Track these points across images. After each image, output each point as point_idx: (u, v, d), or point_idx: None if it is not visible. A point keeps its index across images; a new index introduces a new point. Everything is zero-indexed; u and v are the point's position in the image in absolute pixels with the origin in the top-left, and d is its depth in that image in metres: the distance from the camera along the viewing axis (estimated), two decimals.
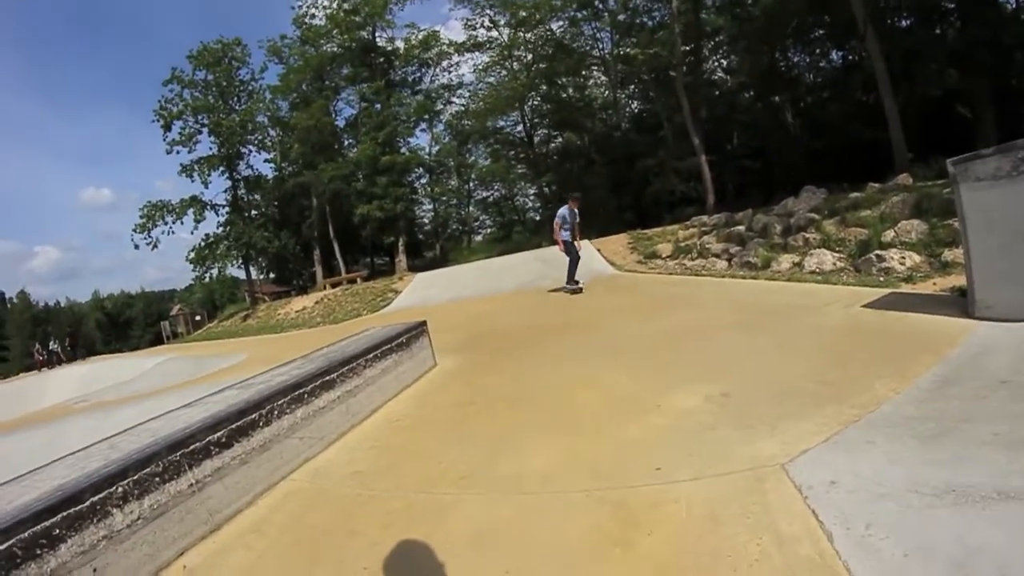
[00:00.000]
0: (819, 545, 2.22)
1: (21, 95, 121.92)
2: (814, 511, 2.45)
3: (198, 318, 51.28)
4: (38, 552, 2.54)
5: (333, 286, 31.65)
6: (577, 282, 12.30)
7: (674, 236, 18.03)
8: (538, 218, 45.17)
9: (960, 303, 5.39)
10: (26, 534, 2.50)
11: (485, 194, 49.21)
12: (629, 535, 2.59)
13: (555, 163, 42.90)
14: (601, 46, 38.64)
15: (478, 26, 40.64)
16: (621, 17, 34.82)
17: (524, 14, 36.40)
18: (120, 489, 2.94)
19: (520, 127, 43.35)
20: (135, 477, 3.04)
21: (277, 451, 4.02)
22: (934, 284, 7.02)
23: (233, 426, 3.73)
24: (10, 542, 2.44)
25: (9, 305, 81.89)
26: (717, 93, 36.32)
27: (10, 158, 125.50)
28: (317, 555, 2.98)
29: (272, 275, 55.98)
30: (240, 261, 40.06)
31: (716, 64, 38.49)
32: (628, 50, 34.96)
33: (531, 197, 47.74)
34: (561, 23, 37.66)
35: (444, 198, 47.71)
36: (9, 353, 71.21)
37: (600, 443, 3.72)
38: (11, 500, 2.78)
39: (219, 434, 3.61)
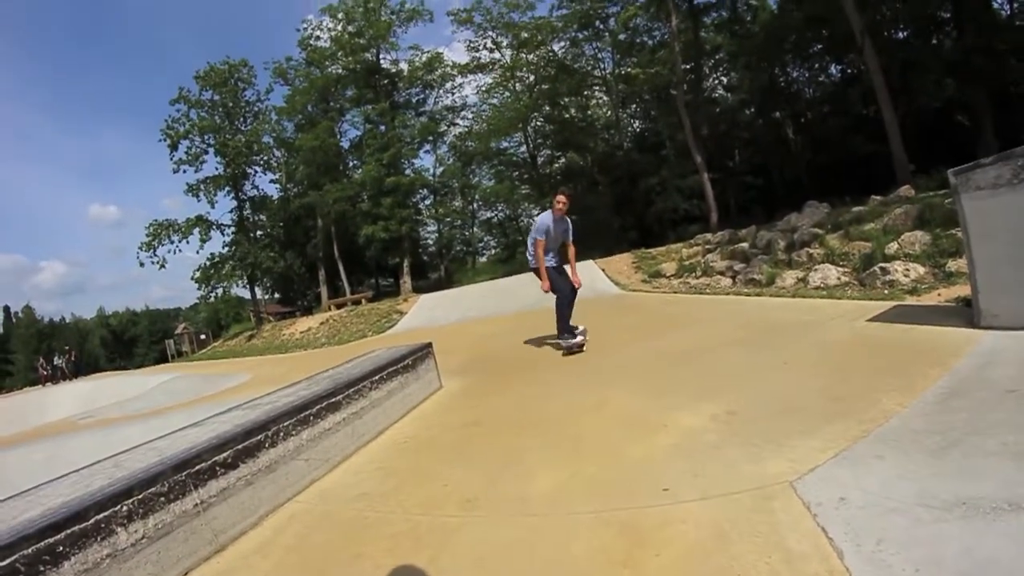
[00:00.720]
0: (829, 562, 2.19)
1: (30, 110, 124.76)
2: (824, 528, 2.42)
3: (203, 337, 51.54)
4: (41, 569, 2.54)
5: (338, 307, 31.71)
6: (575, 328, 8.14)
7: (678, 255, 18.09)
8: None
9: (965, 313, 5.38)
10: (30, 550, 2.51)
11: (489, 215, 49.63)
12: (637, 556, 2.55)
13: (558, 183, 43.01)
14: (602, 66, 39.14)
15: (481, 48, 41.29)
16: (622, 37, 35.21)
17: (526, 35, 36.86)
18: (125, 508, 2.94)
19: (523, 148, 43.66)
20: (140, 496, 3.03)
21: (283, 472, 4.01)
22: (939, 295, 7.02)
23: (239, 447, 3.72)
24: (13, 558, 2.44)
25: (15, 319, 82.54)
26: (718, 111, 36.58)
27: (18, 172, 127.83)
28: None
29: (277, 295, 56.42)
30: (245, 281, 40.20)
31: (716, 82, 38.87)
32: (629, 70, 35.25)
33: (535, 218, 47.87)
34: (563, 44, 38.19)
35: (448, 219, 48.01)
36: (14, 367, 72.20)
37: (606, 464, 3.69)
38: (15, 516, 2.78)
39: (225, 455, 3.60)
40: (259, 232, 42.22)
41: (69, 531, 2.67)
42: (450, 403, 6.29)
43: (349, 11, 40.24)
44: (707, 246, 17.46)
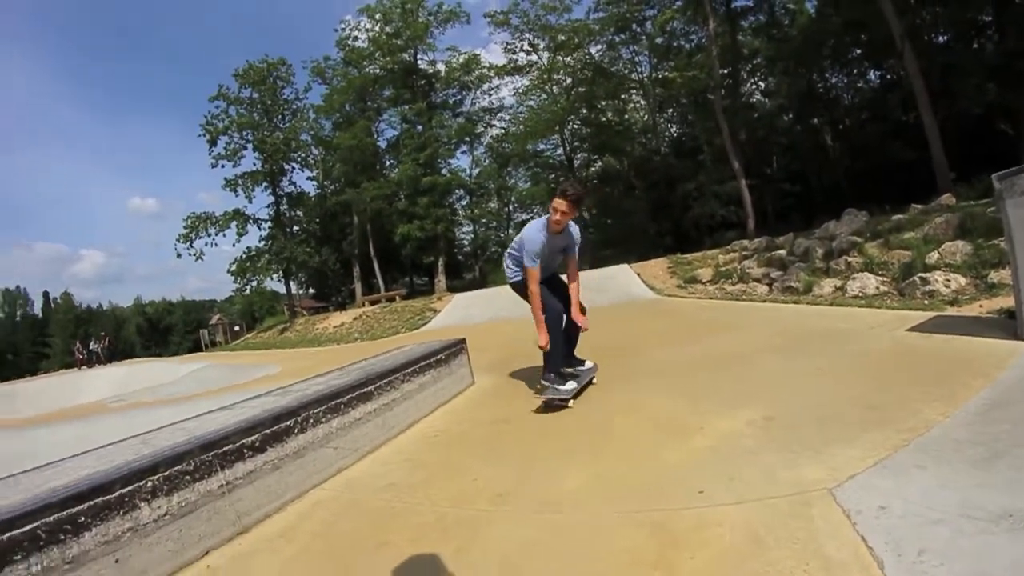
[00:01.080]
0: (869, 571, 2.11)
1: (75, 105, 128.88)
2: (864, 537, 2.33)
3: (236, 328, 52.53)
4: (62, 538, 2.57)
5: (372, 303, 31.94)
6: (580, 364, 6.10)
7: (714, 261, 17.90)
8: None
9: (1008, 325, 5.22)
10: (51, 518, 2.53)
11: (525, 217, 49.53)
12: (670, 558, 2.48)
13: (595, 187, 42.98)
14: (640, 70, 39.11)
15: (518, 50, 41.58)
16: (659, 40, 35.08)
17: (563, 38, 37.04)
18: (149, 483, 2.96)
19: (560, 150, 43.66)
20: (165, 473, 3.05)
21: (311, 459, 4.00)
22: (980, 306, 6.84)
23: (268, 431, 3.72)
24: (35, 524, 2.47)
25: (53, 305, 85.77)
26: (756, 116, 36.22)
27: (62, 164, 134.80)
28: (345, 564, 2.93)
29: (311, 290, 57.06)
30: (280, 275, 40.90)
31: (754, 87, 38.57)
32: (666, 74, 35.08)
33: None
34: (599, 47, 38.21)
35: (484, 220, 48.21)
36: (51, 351, 75.68)
37: (638, 465, 3.62)
38: (39, 485, 2.81)
39: (253, 438, 3.60)
40: (296, 228, 42.94)
41: (92, 502, 2.69)
42: (482, 399, 6.25)
43: (387, 12, 40.80)
44: (744, 252, 17.28)
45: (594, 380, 6.00)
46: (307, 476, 3.94)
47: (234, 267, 38.76)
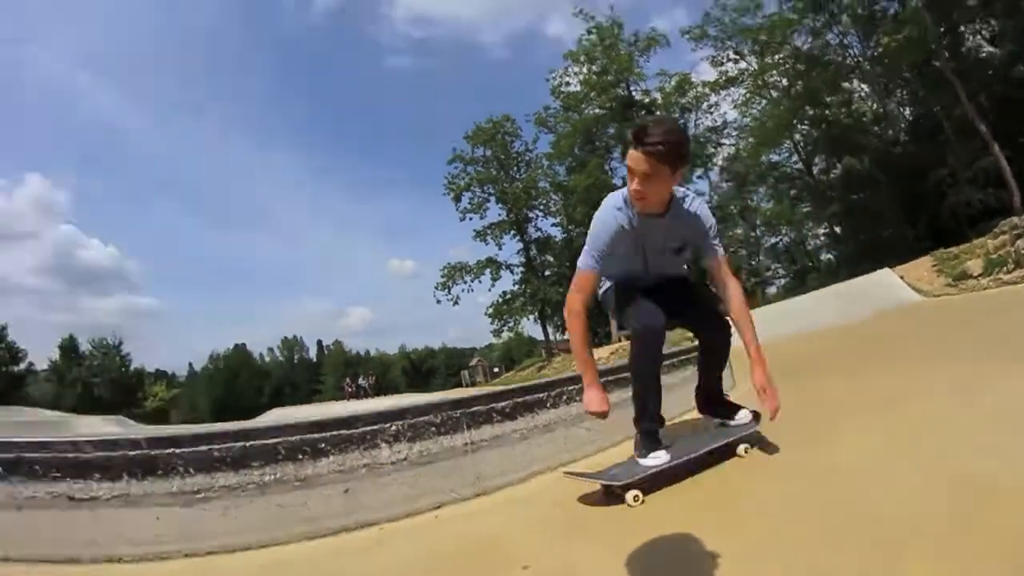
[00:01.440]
0: None
1: (334, 187, 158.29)
2: None
3: (496, 370, 54.81)
4: (299, 457, 2.92)
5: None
6: (723, 421, 3.64)
7: (983, 248, 15.76)
8: (832, 258, 42.93)
9: None
10: (294, 438, 2.89)
11: (774, 240, 47.85)
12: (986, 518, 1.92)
13: (840, 194, 40.10)
14: (852, 52, 36.72)
15: (724, 60, 41.10)
16: (860, 11, 32.66)
17: (764, 37, 35.65)
18: (393, 427, 3.14)
19: (794, 158, 42.12)
20: (411, 421, 3.21)
21: (561, 435, 3.97)
22: None
23: (519, 400, 3.79)
24: (277, 440, 2.87)
25: (326, 352, 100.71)
26: (990, 72, 30.98)
27: (328, 236, 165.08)
28: (585, 530, 2.72)
29: (567, 336, 58.60)
30: (536, 316, 44.54)
31: (978, 36, 33.11)
32: (879, 48, 31.85)
33: (821, 238, 45.54)
34: (804, 38, 36.55)
35: (732, 249, 46.87)
36: (323, 387, 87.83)
37: (932, 428, 3.10)
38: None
39: (503, 404, 3.69)
40: (547, 272, 45.85)
41: (333, 433, 2.98)
42: (740, 397, 5.81)
43: (589, 52, 42.10)
44: (1015, 232, 14.99)
45: (743, 449, 3.33)
46: (556, 451, 3.90)
47: (491, 310, 42.99)
